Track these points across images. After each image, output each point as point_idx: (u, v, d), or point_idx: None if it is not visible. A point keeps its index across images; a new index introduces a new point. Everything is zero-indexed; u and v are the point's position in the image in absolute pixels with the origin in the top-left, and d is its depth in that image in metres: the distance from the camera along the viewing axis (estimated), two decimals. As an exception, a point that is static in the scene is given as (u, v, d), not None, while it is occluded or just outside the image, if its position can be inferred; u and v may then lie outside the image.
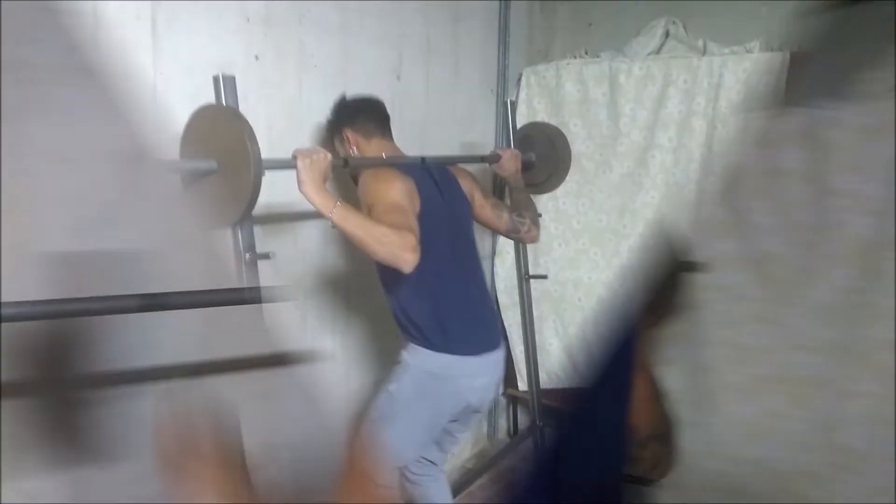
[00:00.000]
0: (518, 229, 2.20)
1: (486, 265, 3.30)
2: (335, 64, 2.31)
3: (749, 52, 2.73)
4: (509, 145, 2.64)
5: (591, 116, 3.07)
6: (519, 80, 3.27)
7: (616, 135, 3.01)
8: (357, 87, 2.41)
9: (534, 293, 3.10)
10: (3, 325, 0.69)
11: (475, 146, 2.99)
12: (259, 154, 1.39)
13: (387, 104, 2.57)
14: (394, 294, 1.92)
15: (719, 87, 2.73)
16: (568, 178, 3.15)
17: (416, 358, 1.91)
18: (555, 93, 3.15)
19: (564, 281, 3.16)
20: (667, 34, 3.11)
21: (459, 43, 2.94)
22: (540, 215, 2.40)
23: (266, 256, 1.53)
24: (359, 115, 2.01)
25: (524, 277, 2.51)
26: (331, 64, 2.30)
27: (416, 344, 1.91)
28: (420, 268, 1.63)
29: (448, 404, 1.94)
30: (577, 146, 3.10)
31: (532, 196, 2.46)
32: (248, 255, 1.49)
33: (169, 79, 1.78)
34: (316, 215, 1.73)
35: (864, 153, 1.63)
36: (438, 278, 1.87)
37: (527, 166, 2.44)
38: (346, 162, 1.81)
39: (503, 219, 2.17)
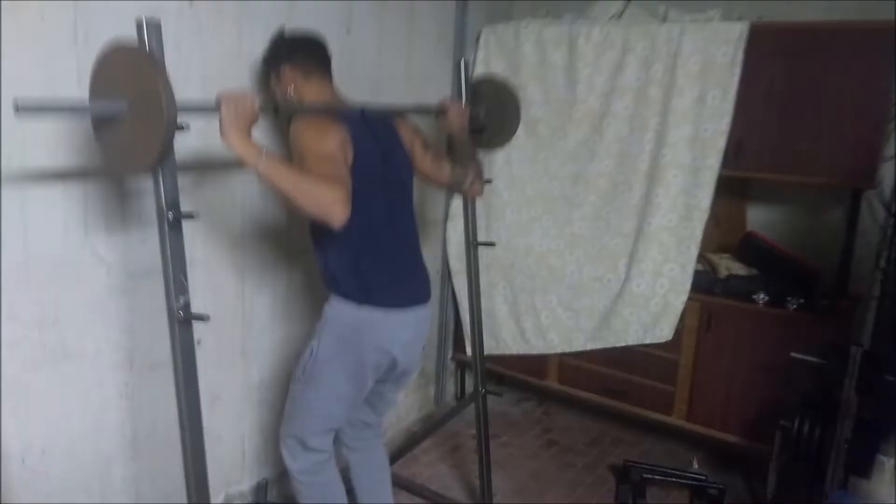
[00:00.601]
0: (460, 183, 2.11)
1: (437, 230, 3.26)
2: (278, 14, 2.19)
3: (709, 20, 2.68)
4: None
5: (548, 80, 3.00)
6: (477, 39, 3.17)
7: (573, 101, 2.95)
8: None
9: (485, 259, 3.07)
10: None
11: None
12: (171, 94, 1.28)
13: (335, 58, 2.47)
14: (320, 245, 1.84)
15: (677, 55, 2.67)
16: (523, 143, 3.10)
17: (337, 311, 1.83)
18: (513, 54, 3.07)
19: (516, 248, 3.12)
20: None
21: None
22: (489, 181, 2.31)
23: (190, 216, 1.42)
24: (298, 52, 1.89)
25: (472, 244, 2.44)
26: (274, 14, 2.17)
27: (338, 296, 1.83)
28: (349, 220, 1.54)
29: (371, 358, 1.84)
30: (534, 111, 3.05)
31: (482, 156, 2.42)
32: (170, 214, 1.40)
33: (93, 24, 1.67)
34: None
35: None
36: (367, 231, 1.79)
37: (475, 121, 2.35)
38: (276, 108, 1.72)
39: (444, 171, 2.08)
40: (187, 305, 1.45)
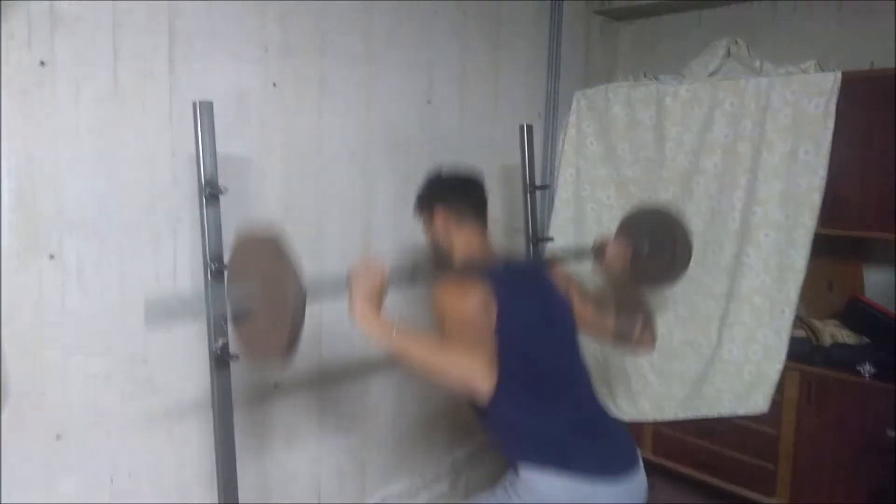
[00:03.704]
0: (627, 336, 1.78)
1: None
2: (357, 91, 2.43)
3: (804, 72, 2.55)
4: (530, 169, 2.63)
5: (637, 140, 2.99)
6: (570, 104, 3.24)
7: (661, 159, 2.91)
8: (381, 112, 2.53)
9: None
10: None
11: (515, 170, 3.00)
12: (299, 285, 1.26)
13: (416, 129, 2.68)
14: (487, 412, 1.59)
15: (766, 109, 2.56)
16: (614, 202, 3.09)
17: (532, 481, 1.53)
18: (603, 116, 3.10)
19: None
20: (728, 54, 2.97)
21: (500, 67, 2.97)
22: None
23: (225, 267, 1.60)
24: (454, 194, 1.80)
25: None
26: (353, 90, 2.42)
27: (526, 463, 1.54)
28: (516, 381, 1.46)
29: None
30: (624, 170, 3.04)
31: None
32: (212, 266, 1.60)
33: (186, 107, 1.98)
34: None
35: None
36: (536, 386, 1.58)
37: (638, 260, 2.04)
38: (412, 276, 1.63)
39: (608, 324, 1.79)
40: (225, 346, 1.63)
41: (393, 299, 1.52)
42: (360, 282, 1.41)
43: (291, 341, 1.29)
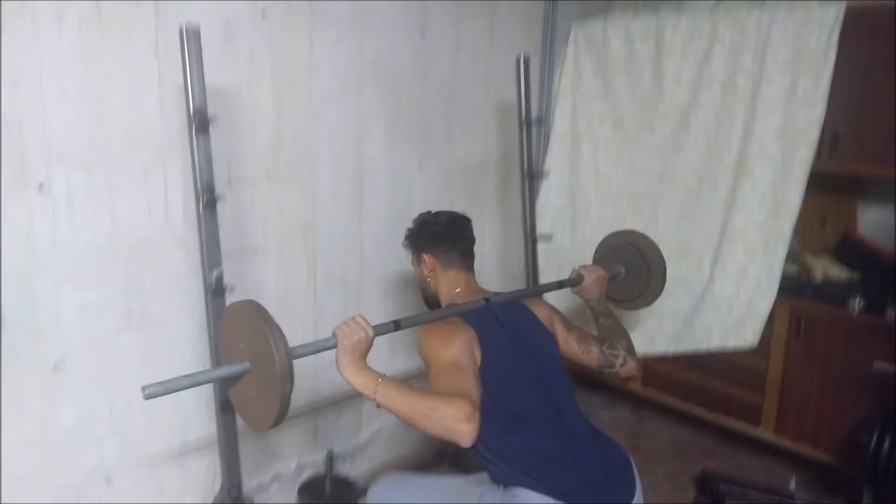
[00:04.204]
0: (612, 363, 1.86)
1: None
2: (349, 20, 2.36)
3: (806, 3, 2.48)
4: (526, 103, 2.59)
5: (635, 74, 2.94)
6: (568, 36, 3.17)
7: (659, 94, 2.86)
8: (373, 44, 2.47)
9: (569, 256, 3.07)
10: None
11: (511, 106, 2.95)
12: (286, 365, 1.29)
13: (409, 62, 2.62)
14: (480, 453, 1.62)
15: (766, 43, 2.51)
16: (610, 139, 3.06)
17: (525, 498, 1.56)
18: (601, 50, 3.04)
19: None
20: (731, -17, 2.88)
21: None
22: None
23: (217, 198, 1.59)
24: (442, 243, 1.86)
25: (529, 240, 2.44)
26: (344, 20, 2.35)
27: (523, 487, 1.57)
28: (503, 420, 1.50)
29: None
30: (621, 106, 3.00)
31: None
32: (204, 196, 1.60)
33: (173, 36, 1.92)
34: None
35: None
36: (523, 423, 1.61)
37: (615, 286, 2.14)
38: (396, 325, 1.61)
39: (592, 353, 1.85)
40: (220, 278, 1.64)
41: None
42: (345, 338, 1.45)
43: (278, 420, 1.33)
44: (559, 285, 2.01)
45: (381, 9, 2.46)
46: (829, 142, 2.45)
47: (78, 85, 1.79)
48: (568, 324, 1.89)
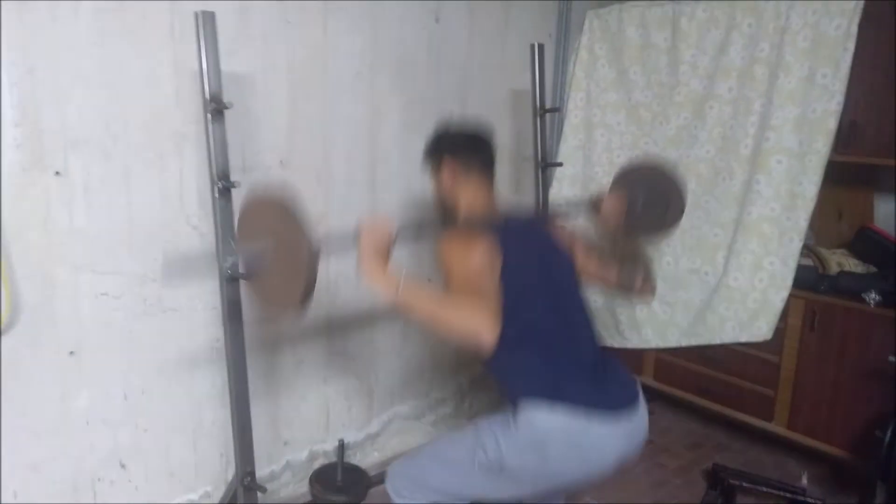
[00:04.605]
0: (630, 286, 1.86)
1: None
2: (364, 5, 2.35)
3: (827, -10, 2.45)
4: (540, 91, 2.57)
5: (650, 63, 2.91)
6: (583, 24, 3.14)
7: (675, 83, 2.83)
8: (388, 30, 2.45)
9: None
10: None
11: (524, 94, 2.93)
12: (311, 240, 1.29)
13: (423, 49, 2.60)
14: (492, 358, 1.58)
15: (785, 31, 2.47)
16: (625, 128, 3.04)
17: (528, 418, 1.55)
18: (616, 38, 3.01)
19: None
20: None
21: (511, -16, 2.87)
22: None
23: (234, 185, 1.60)
24: (463, 147, 1.81)
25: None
26: (359, 5, 2.34)
27: (525, 399, 1.56)
28: (515, 328, 1.48)
29: (564, 478, 1.59)
30: (636, 95, 2.98)
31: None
32: (220, 184, 1.59)
33: (187, 22, 1.91)
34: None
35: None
36: (536, 334, 1.60)
37: (632, 213, 2.07)
38: (419, 229, 1.63)
39: (611, 276, 1.86)
40: (235, 265, 1.64)
41: (399, 254, 1.55)
42: (367, 237, 1.43)
43: (307, 294, 1.32)
44: (579, 209, 2.02)
45: (397, -5, 2.45)
46: (847, 133, 2.42)
47: (94, 70, 1.79)
48: (589, 246, 1.88)
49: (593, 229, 2.05)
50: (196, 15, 1.58)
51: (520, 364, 1.59)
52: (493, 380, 1.70)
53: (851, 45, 2.33)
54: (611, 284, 1.88)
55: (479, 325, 1.39)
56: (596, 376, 1.62)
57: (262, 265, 1.40)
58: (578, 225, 2.02)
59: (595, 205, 1.98)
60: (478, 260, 1.54)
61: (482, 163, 1.81)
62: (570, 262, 1.79)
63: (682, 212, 2.13)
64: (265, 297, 1.48)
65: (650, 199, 2.10)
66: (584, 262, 1.84)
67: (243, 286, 1.54)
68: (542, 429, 1.52)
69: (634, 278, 1.84)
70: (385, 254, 1.47)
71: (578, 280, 1.79)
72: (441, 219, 1.86)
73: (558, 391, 1.53)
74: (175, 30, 1.91)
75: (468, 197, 1.78)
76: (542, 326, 1.61)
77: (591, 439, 1.52)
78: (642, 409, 1.63)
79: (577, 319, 1.72)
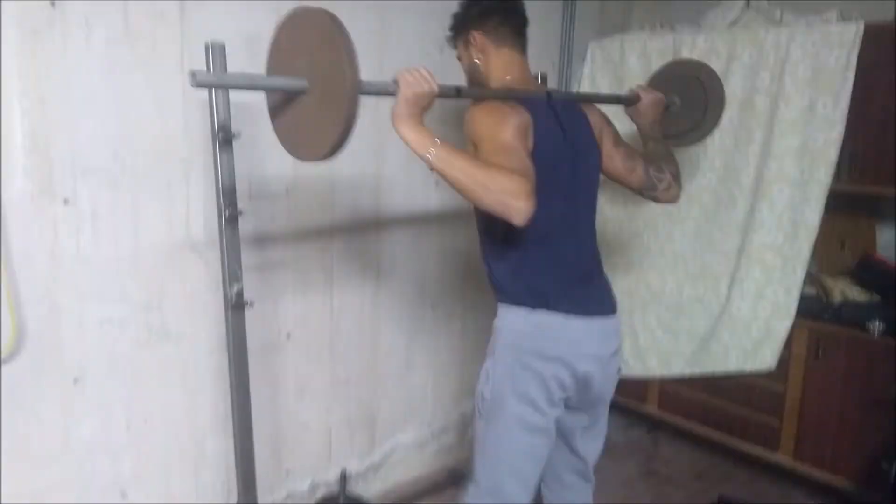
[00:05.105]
0: (655, 186, 1.80)
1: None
2: (369, 37, 2.38)
3: (826, 22, 2.48)
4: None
5: (652, 93, 2.94)
6: (584, 55, 3.19)
7: (676, 113, 2.86)
8: (393, 60, 2.48)
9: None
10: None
11: (527, 122, 2.97)
12: (356, 82, 1.18)
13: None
14: (489, 245, 1.63)
15: (785, 61, 2.51)
16: (627, 157, 3.05)
17: (507, 321, 1.61)
18: (618, 67, 3.05)
19: (615, 265, 3.06)
20: (747, 4, 2.90)
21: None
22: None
23: (240, 212, 1.60)
24: (493, 16, 1.68)
25: None
26: (365, 37, 2.37)
27: (507, 304, 1.61)
28: (532, 225, 1.39)
29: (550, 370, 1.57)
30: (637, 124, 3.00)
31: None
32: (226, 211, 1.60)
33: (197, 53, 1.94)
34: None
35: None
36: (543, 230, 1.54)
37: (670, 112, 2.03)
38: (457, 91, 1.48)
39: (637, 172, 1.79)
40: (240, 293, 1.64)
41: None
42: (408, 87, 1.34)
43: (343, 138, 1.21)
44: (617, 99, 1.95)
45: (402, 26, 2.48)
46: (848, 162, 2.44)
47: (104, 100, 1.81)
48: (617, 138, 1.80)
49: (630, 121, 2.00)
50: (207, 47, 1.61)
51: (512, 268, 1.60)
52: (486, 276, 1.69)
53: (851, 76, 2.36)
54: (635, 181, 1.81)
55: (515, 195, 1.30)
56: (582, 284, 1.66)
57: (296, 94, 1.27)
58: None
59: (632, 99, 1.91)
60: (512, 131, 1.45)
61: (513, 31, 1.70)
62: (597, 157, 1.73)
63: (720, 114, 2.10)
64: (292, 134, 1.36)
65: (688, 99, 2.06)
66: (610, 154, 1.76)
67: (272, 125, 1.42)
68: (520, 329, 1.59)
69: (662, 177, 1.79)
70: (423, 106, 1.38)
71: (598, 177, 1.74)
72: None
73: (541, 300, 1.58)
74: (184, 60, 1.93)
75: (500, 69, 1.68)
76: (552, 224, 1.56)
77: (567, 332, 1.58)
78: (616, 318, 1.71)
79: (585, 226, 1.71)
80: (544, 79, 2.60)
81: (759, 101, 2.61)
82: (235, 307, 1.63)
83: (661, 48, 2.89)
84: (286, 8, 2.11)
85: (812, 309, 2.57)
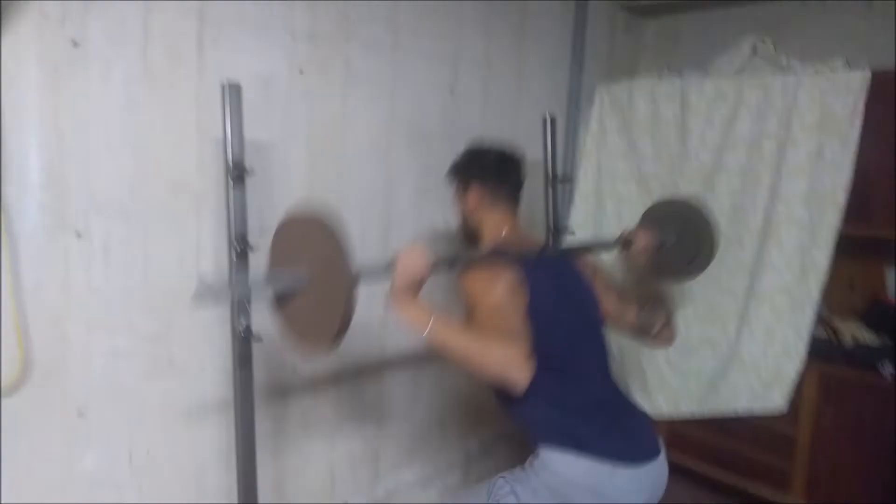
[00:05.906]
0: (649, 329, 1.79)
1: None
2: (382, 79, 2.44)
3: (832, 70, 2.52)
4: (552, 161, 2.63)
5: (660, 136, 2.97)
6: (592, 98, 3.23)
7: (684, 155, 2.89)
8: (405, 102, 2.53)
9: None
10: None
11: (537, 164, 2.99)
12: (353, 277, 1.24)
13: (438, 119, 2.68)
14: (511, 398, 1.54)
15: (793, 107, 2.54)
16: (636, 198, 3.08)
17: (550, 463, 1.52)
18: (626, 111, 3.09)
19: (624, 304, 3.06)
20: (754, 52, 2.94)
21: (524, 60, 2.97)
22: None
23: (251, 248, 1.62)
24: (493, 174, 1.77)
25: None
26: (377, 78, 2.42)
27: (549, 446, 1.53)
28: (544, 371, 1.42)
29: None
30: (645, 166, 3.03)
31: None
32: (237, 246, 1.62)
33: (213, 90, 1.99)
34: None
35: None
36: (561, 372, 1.56)
37: (662, 252, 2.06)
38: (452, 263, 1.55)
39: (629, 316, 1.79)
40: (248, 328, 1.65)
41: (430, 286, 1.52)
42: (404, 267, 1.39)
43: (342, 329, 1.26)
44: (608, 247, 1.96)
45: (414, 68, 2.54)
46: (857, 205, 2.44)
47: (122, 137, 1.85)
48: (609, 282, 1.82)
49: (619, 266, 2.02)
50: (223, 87, 1.65)
51: (542, 408, 1.54)
52: (513, 421, 1.65)
53: (858, 121, 2.38)
54: (627, 326, 1.80)
55: (513, 363, 1.35)
56: (619, 422, 1.58)
57: (295, 291, 1.33)
58: (602, 261, 1.99)
59: (625, 242, 1.93)
60: (503, 294, 1.49)
61: (510, 191, 1.77)
62: (594, 299, 1.74)
63: (713, 251, 2.09)
64: (294, 328, 1.41)
65: (681, 237, 2.06)
66: (604, 299, 1.77)
67: (272, 315, 1.45)
68: (566, 475, 1.49)
69: (654, 321, 1.78)
70: (419, 285, 1.42)
71: (601, 317, 1.73)
72: (463, 240, 1.83)
73: (582, 441, 1.50)
74: (200, 98, 1.98)
75: (493, 225, 1.75)
76: (567, 366, 1.56)
77: (615, 488, 1.49)
78: (663, 457, 1.61)
79: (601, 360, 1.68)
80: (553, 122, 2.64)
81: (766, 144, 2.63)
82: (243, 341, 1.64)
83: (668, 92, 2.93)
84: (300, 51, 2.20)
85: (823, 351, 2.55)
